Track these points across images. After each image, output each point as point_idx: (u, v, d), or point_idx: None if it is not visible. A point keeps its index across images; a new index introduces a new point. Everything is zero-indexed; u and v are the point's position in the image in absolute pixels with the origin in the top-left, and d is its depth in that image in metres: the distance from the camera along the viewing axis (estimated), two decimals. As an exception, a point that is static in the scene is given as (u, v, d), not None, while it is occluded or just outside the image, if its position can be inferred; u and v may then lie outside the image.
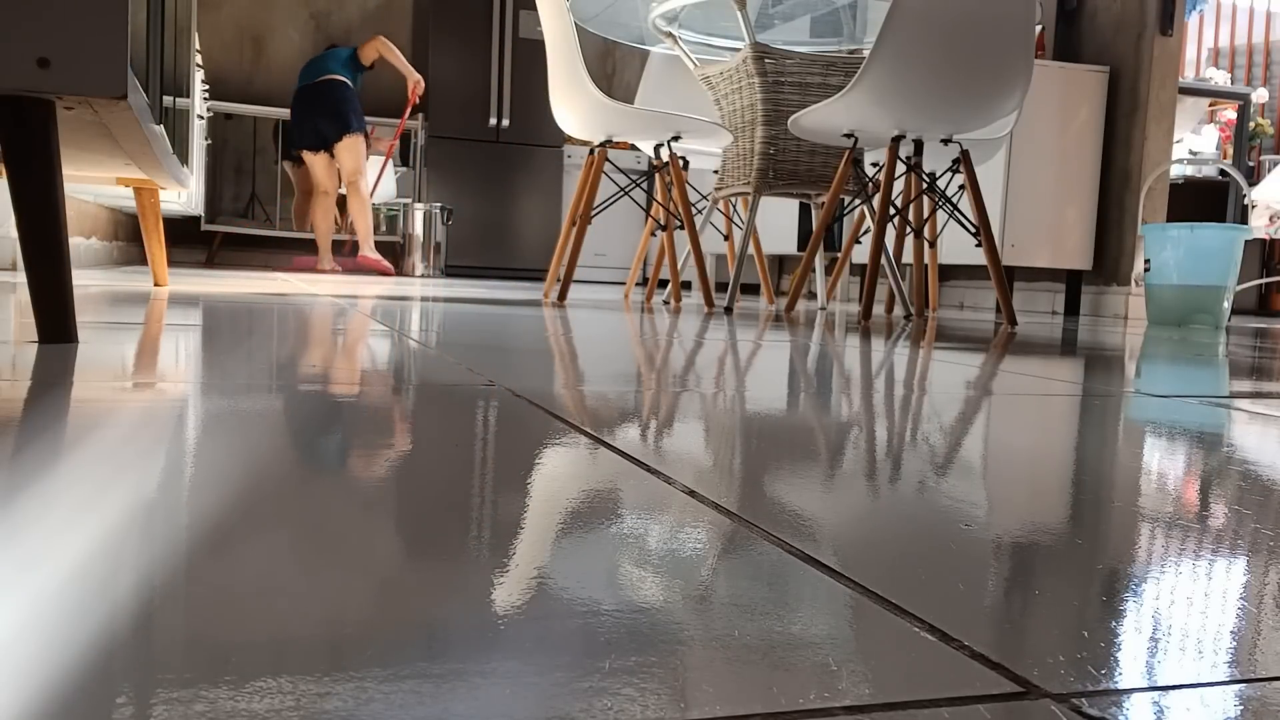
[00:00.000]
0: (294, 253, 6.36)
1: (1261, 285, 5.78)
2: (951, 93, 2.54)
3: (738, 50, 3.46)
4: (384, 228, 6.25)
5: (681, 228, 3.09)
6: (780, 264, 6.63)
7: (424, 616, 0.35)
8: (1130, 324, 3.49)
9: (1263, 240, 5.53)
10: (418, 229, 5.85)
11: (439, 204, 5.92)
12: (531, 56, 6.17)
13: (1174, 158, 4.44)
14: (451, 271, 6.17)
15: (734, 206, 4.05)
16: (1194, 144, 5.28)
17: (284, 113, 5.92)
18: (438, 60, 6.00)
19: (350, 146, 5.33)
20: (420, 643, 0.33)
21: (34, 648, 0.31)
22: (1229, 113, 5.25)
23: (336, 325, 1.68)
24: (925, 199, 3.37)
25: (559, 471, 0.61)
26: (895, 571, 0.43)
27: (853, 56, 3.29)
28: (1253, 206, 4.73)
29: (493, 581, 0.40)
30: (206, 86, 5.16)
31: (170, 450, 0.61)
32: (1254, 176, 5.65)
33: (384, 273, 5.48)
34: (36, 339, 1.17)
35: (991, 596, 0.41)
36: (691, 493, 0.57)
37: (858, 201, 3.30)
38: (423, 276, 5.67)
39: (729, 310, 2.91)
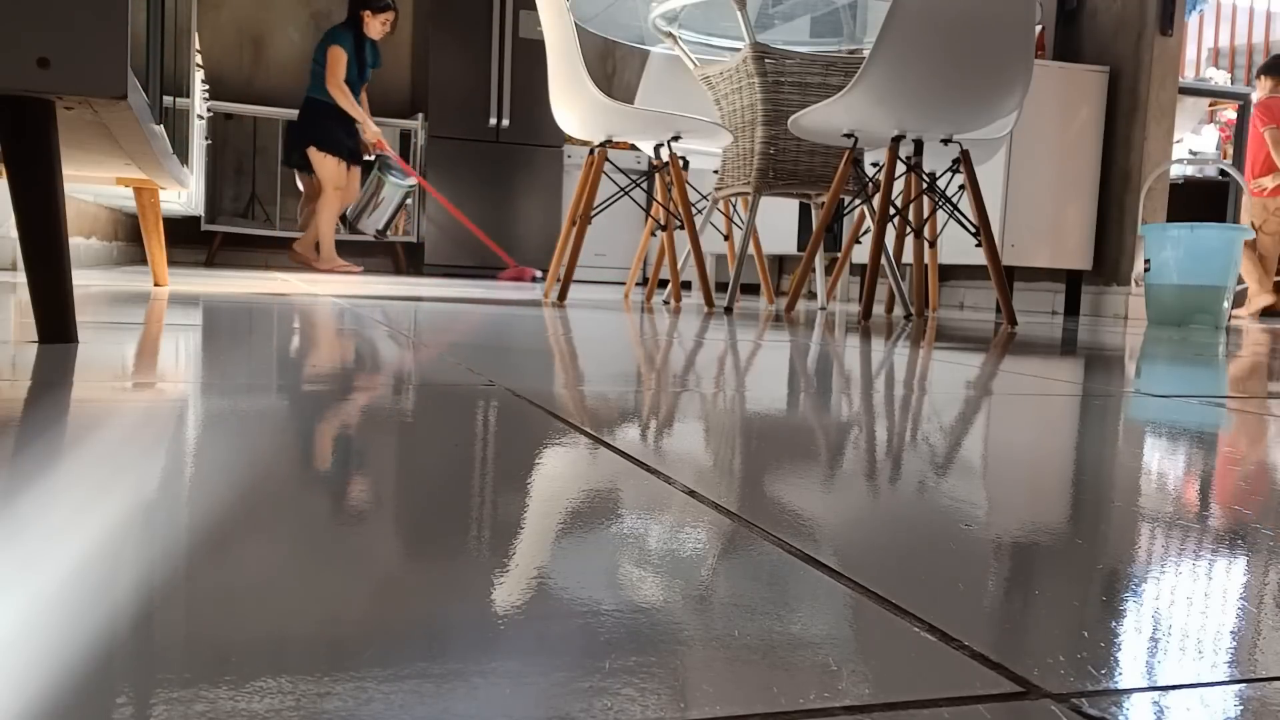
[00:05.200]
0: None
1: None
2: (951, 93, 2.54)
3: (738, 50, 3.46)
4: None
5: (681, 228, 3.09)
6: (780, 264, 6.63)
7: (424, 616, 0.35)
8: (1130, 324, 3.49)
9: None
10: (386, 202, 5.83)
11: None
12: (531, 56, 6.17)
13: (1174, 158, 4.43)
14: (451, 271, 6.17)
15: (734, 206, 4.05)
16: (1194, 144, 5.28)
17: (284, 113, 5.92)
18: (438, 60, 6.00)
19: (313, 158, 5.49)
20: (420, 643, 0.33)
21: (34, 648, 0.31)
22: (1229, 113, 5.26)
23: (336, 325, 1.68)
24: (925, 199, 3.37)
25: (559, 471, 0.61)
26: (895, 571, 0.43)
27: (853, 56, 3.29)
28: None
29: (493, 581, 0.40)
30: (206, 86, 5.15)
31: (170, 450, 0.61)
32: (1254, 176, 5.64)
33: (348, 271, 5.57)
34: (36, 339, 1.17)
35: (991, 596, 0.41)
36: (691, 493, 0.57)
37: (858, 201, 3.30)
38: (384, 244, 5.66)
39: (729, 310, 2.91)
